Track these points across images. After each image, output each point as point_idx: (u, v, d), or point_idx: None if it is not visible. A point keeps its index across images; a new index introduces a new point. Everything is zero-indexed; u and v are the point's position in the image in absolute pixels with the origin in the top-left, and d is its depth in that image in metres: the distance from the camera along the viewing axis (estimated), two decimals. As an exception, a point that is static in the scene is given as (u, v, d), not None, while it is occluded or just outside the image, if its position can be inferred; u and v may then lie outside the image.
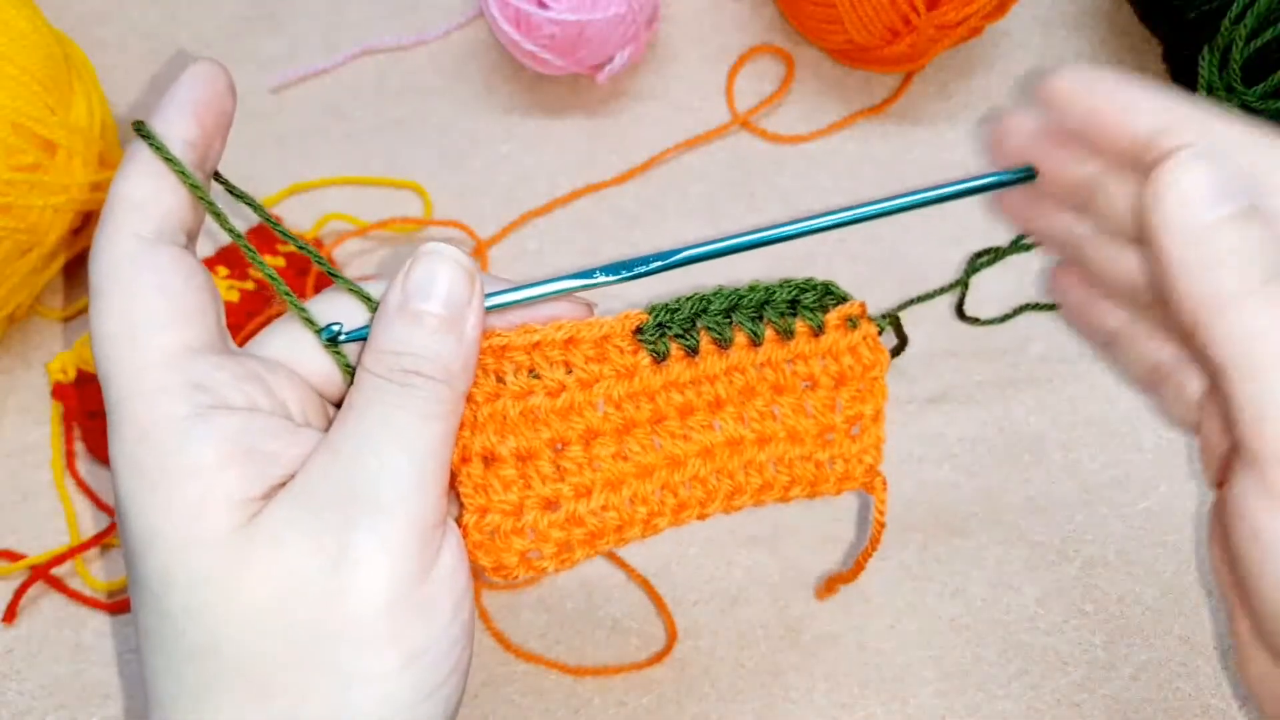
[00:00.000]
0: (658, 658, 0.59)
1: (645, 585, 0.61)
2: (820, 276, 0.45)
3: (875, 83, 0.77)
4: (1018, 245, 0.50)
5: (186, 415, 0.36)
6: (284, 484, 0.37)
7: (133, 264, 0.37)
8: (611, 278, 0.42)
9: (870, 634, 0.60)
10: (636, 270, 0.42)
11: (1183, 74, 0.73)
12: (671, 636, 0.59)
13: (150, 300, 0.37)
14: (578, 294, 0.43)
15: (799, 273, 0.46)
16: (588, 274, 0.42)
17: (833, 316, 0.44)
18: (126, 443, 0.36)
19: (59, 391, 0.65)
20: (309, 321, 0.40)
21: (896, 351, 0.48)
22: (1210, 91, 0.68)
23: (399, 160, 0.74)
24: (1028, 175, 0.44)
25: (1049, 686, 0.59)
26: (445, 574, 0.38)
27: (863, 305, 0.44)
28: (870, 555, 0.48)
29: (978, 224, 0.71)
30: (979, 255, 0.52)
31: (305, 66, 0.77)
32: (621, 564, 0.61)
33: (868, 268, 0.70)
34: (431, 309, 0.38)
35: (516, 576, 0.42)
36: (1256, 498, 0.35)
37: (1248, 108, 0.67)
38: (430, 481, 0.38)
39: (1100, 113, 0.40)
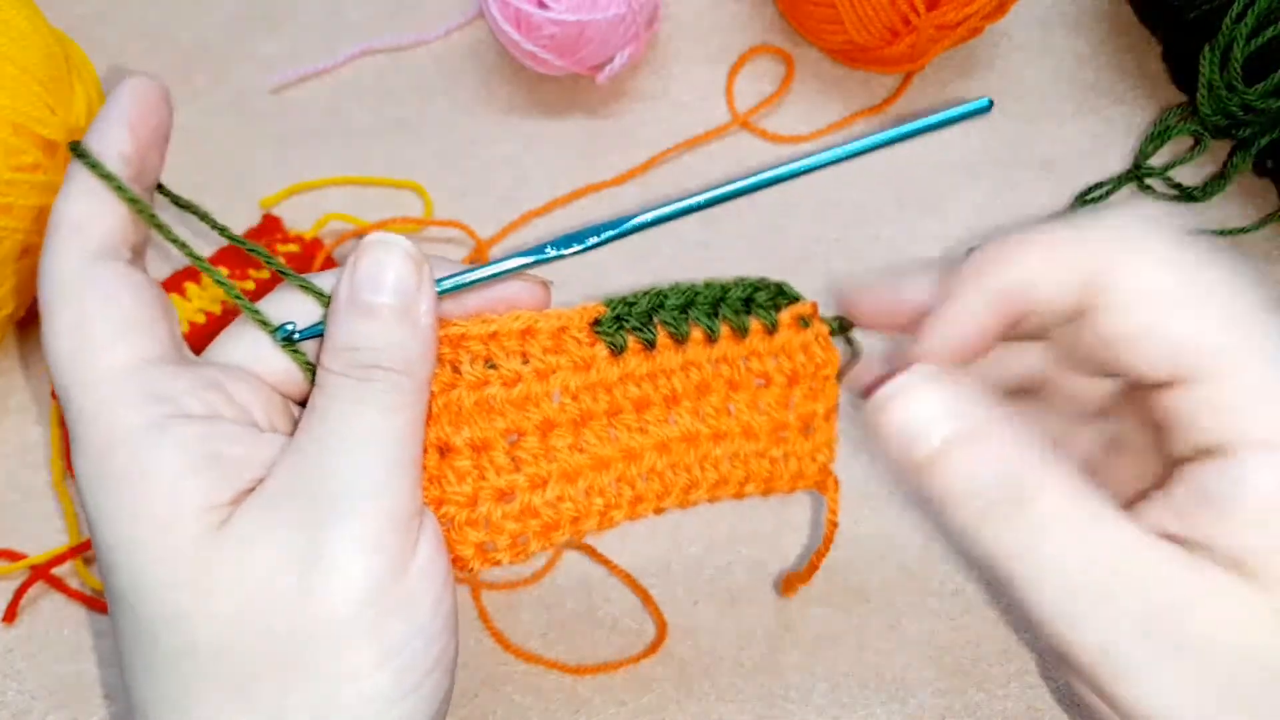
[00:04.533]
0: (651, 649, 0.59)
1: (629, 580, 0.61)
2: (802, 277, 0.46)
3: (875, 83, 0.77)
4: None
5: (144, 425, 0.36)
6: (251, 489, 0.37)
7: (77, 282, 0.37)
8: (563, 251, 0.41)
9: (870, 634, 0.60)
10: (588, 242, 0.41)
11: (1182, 74, 0.73)
12: (661, 628, 0.59)
13: (98, 316, 0.37)
14: (532, 272, 0.42)
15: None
16: (538, 250, 0.41)
17: (785, 315, 0.44)
18: (88, 457, 0.36)
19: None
20: (263, 323, 0.40)
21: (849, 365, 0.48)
22: (1210, 90, 0.68)
23: (399, 160, 0.74)
24: (985, 107, 0.44)
25: (1049, 686, 0.59)
26: (423, 567, 0.38)
27: (814, 305, 0.45)
28: (824, 555, 0.48)
29: (978, 221, 0.71)
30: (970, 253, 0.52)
31: (305, 66, 0.77)
32: (603, 560, 0.61)
33: (867, 267, 0.70)
34: (382, 300, 0.37)
35: (472, 569, 0.42)
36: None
37: (1248, 107, 0.67)
38: (400, 473, 0.37)
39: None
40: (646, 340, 0.43)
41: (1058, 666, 0.37)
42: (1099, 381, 0.43)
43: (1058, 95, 0.76)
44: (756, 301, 0.44)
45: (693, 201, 0.42)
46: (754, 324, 0.44)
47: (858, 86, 0.77)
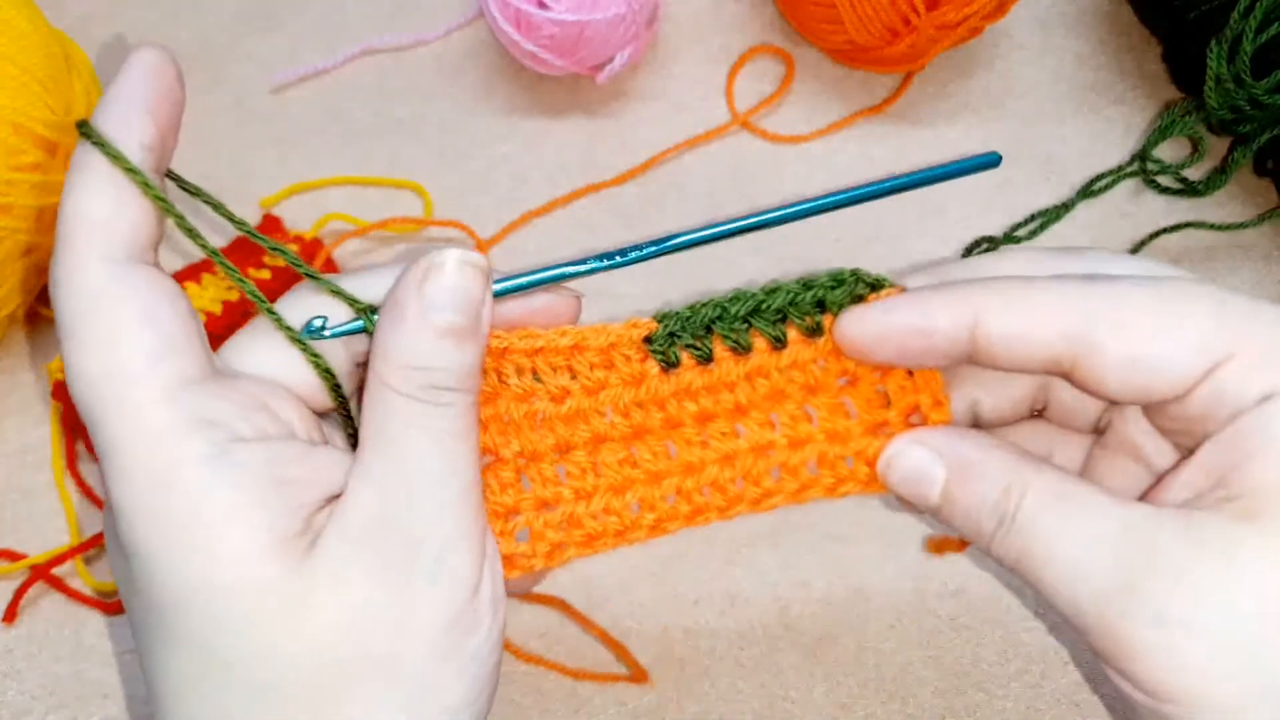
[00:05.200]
0: (633, 680, 0.59)
1: (603, 636, 0.59)
2: (818, 271, 0.43)
3: (875, 83, 0.77)
4: (1011, 237, 0.51)
5: (202, 455, 0.34)
6: (319, 509, 0.36)
7: (106, 292, 0.34)
8: (604, 264, 0.41)
9: (870, 634, 0.60)
10: (630, 255, 0.41)
11: (1182, 74, 0.73)
12: (639, 675, 0.59)
13: (135, 333, 0.34)
14: (567, 284, 0.42)
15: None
16: (580, 263, 0.41)
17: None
18: (138, 491, 0.34)
19: (59, 391, 0.65)
20: (291, 335, 0.38)
21: None
22: (1218, 84, 0.68)
23: (399, 160, 0.74)
24: (994, 161, 0.42)
25: (1049, 686, 0.58)
26: (490, 582, 0.38)
27: (901, 289, 0.41)
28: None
29: (978, 220, 0.71)
30: (974, 245, 0.52)
31: (305, 66, 0.77)
32: (581, 619, 0.60)
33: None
34: (455, 320, 0.36)
35: (506, 577, 0.41)
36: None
37: (1255, 101, 0.67)
38: (473, 495, 0.38)
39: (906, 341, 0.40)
40: (701, 355, 0.41)
41: (1096, 661, 0.38)
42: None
43: (1058, 95, 0.76)
44: (830, 300, 0.41)
45: (735, 225, 0.42)
46: (828, 321, 0.41)
47: (858, 86, 0.77)
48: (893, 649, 0.59)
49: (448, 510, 0.37)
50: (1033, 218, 0.70)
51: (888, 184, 0.43)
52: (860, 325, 0.41)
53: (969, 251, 0.54)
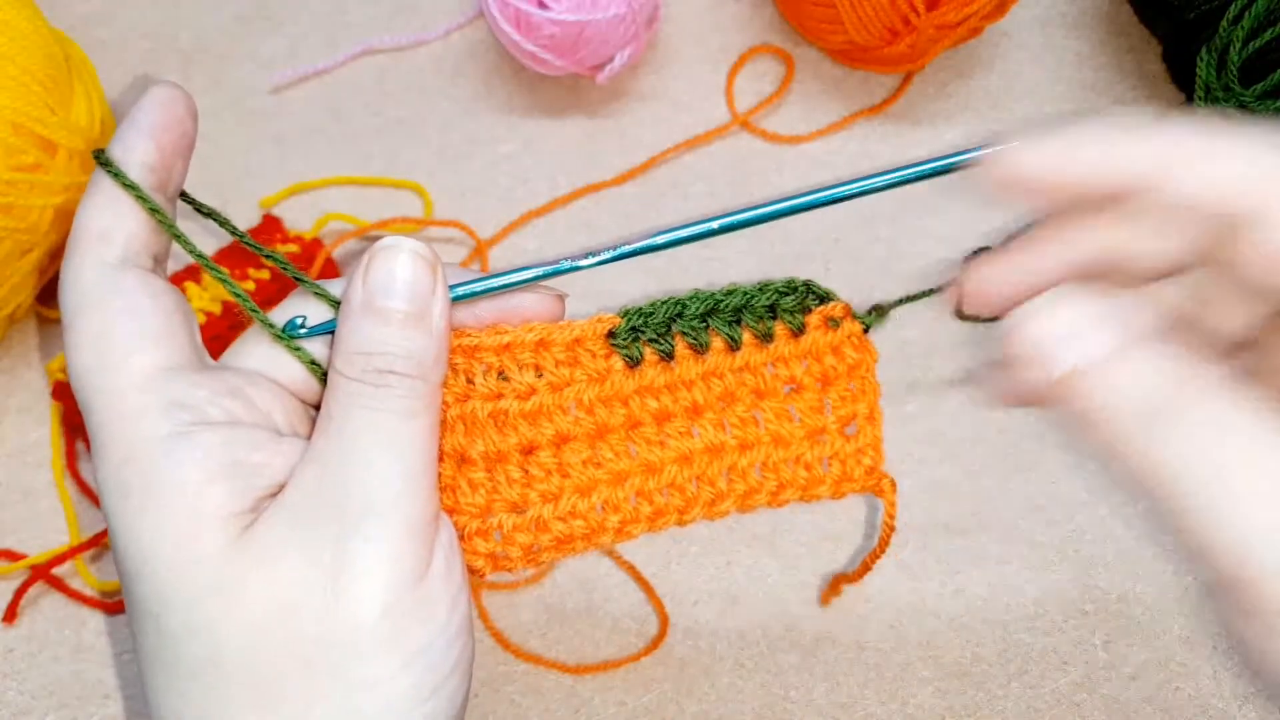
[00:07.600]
0: (654, 644, 0.59)
1: (632, 571, 0.61)
2: (802, 276, 0.44)
3: (875, 83, 0.77)
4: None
5: (167, 434, 0.36)
6: (272, 494, 0.37)
7: (99, 292, 0.37)
8: (579, 263, 0.41)
9: (870, 634, 0.60)
10: (603, 255, 0.41)
11: (1182, 74, 0.73)
12: (663, 622, 0.59)
13: (119, 325, 0.37)
14: (547, 284, 0.42)
15: (795, 272, 0.46)
16: (554, 263, 0.41)
17: (813, 318, 0.43)
18: (111, 467, 0.36)
19: (59, 391, 0.65)
20: (267, 324, 0.40)
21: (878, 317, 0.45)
22: (1208, 92, 0.68)
23: (399, 160, 0.74)
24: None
25: (1049, 686, 0.59)
26: (441, 571, 0.38)
27: (845, 306, 0.43)
28: (878, 558, 0.47)
29: (977, 223, 0.71)
30: (973, 254, 0.52)
31: (305, 66, 0.77)
32: (609, 552, 0.61)
33: (867, 267, 0.70)
34: (396, 305, 0.37)
35: (484, 575, 0.42)
36: (1236, 614, 0.33)
37: (1244, 108, 0.67)
38: (418, 480, 0.38)
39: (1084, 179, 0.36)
40: (663, 352, 0.42)
41: (1226, 603, 0.34)
42: (1238, 312, 0.39)
43: (1057, 95, 0.76)
44: (781, 306, 0.43)
45: (709, 225, 0.41)
46: (779, 328, 0.43)
47: (858, 86, 0.77)
48: (893, 649, 0.60)
49: (384, 487, 0.37)
50: (1028, 227, 0.70)
51: (881, 180, 0.41)
52: (1041, 152, 0.36)
53: (966, 262, 0.53)
